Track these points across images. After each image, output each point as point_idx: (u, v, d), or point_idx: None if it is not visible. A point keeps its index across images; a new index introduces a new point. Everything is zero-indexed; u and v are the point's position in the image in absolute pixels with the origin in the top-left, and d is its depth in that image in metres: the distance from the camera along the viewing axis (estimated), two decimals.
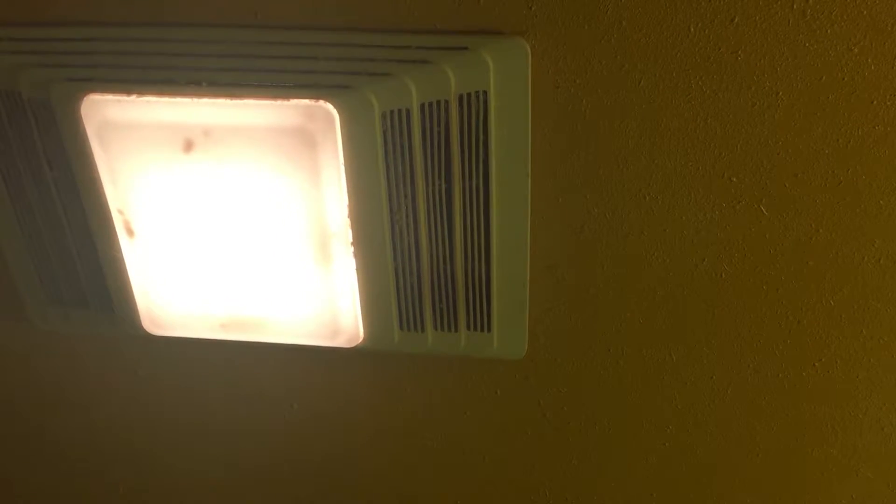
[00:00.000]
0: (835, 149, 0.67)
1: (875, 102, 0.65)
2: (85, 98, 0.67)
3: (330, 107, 0.66)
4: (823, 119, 0.66)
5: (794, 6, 0.61)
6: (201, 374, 0.91)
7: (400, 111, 0.66)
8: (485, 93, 0.66)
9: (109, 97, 0.67)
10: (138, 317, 0.80)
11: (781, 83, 0.65)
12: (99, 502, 1.09)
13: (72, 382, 0.95)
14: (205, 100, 0.67)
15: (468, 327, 0.79)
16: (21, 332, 0.91)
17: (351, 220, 0.71)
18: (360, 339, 0.79)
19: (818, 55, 0.63)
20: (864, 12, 0.61)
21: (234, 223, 0.72)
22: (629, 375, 0.84)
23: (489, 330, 0.79)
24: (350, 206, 0.71)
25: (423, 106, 0.66)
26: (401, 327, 0.79)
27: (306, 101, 0.66)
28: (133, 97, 0.67)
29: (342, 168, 0.68)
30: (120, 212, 0.73)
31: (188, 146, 0.68)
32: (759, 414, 0.84)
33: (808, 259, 0.73)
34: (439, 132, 0.68)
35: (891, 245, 0.71)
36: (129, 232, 0.74)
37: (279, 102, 0.66)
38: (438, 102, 0.66)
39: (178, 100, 0.67)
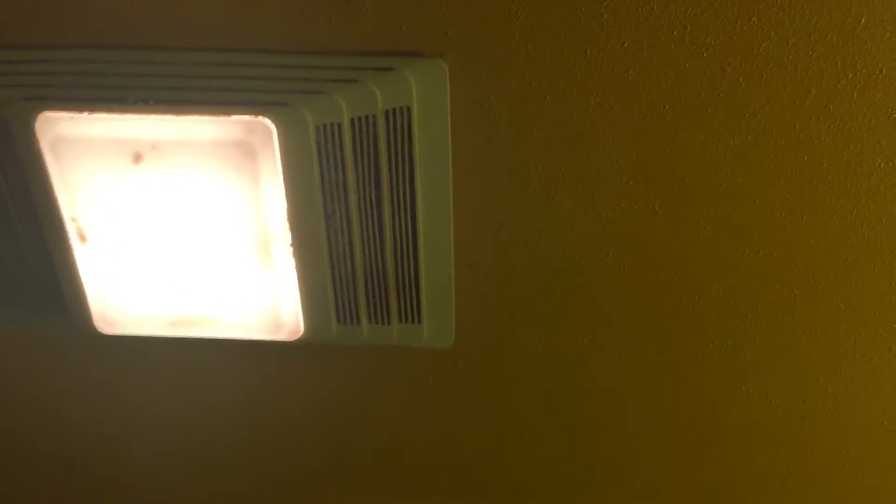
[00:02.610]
0: (714, 155, 0.77)
1: (747, 114, 0.74)
2: (39, 116, 0.73)
3: (268, 122, 0.73)
4: (704, 129, 0.75)
5: (675, 33, 0.71)
6: (150, 371, 0.97)
7: (332, 125, 0.74)
8: (408, 108, 0.73)
9: (63, 115, 0.73)
10: (91, 317, 0.85)
11: (667, 99, 0.74)
12: (48, 499, 1.13)
13: (22, 382, 1.00)
14: (152, 116, 0.73)
15: (400, 320, 0.87)
16: None
17: (290, 223, 0.78)
18: (301, 333, 0.86)
19: (697, 74, 0.73)
20: (734, 38, 0.71)
21: (182, 229, 0.78)
22: (546, 360, 0.92)
23: (419, 321, 0.87)
24: (289, 211, 0.77)
25: (353, 120, 0.74)
26: (338, 321, 0.86)
27: (246, 117, 0.72)
28: (85, 114, 0.73)
29: (280, 177, 0.75)
30: (73, 219, 0.78)
31: (137, 158, 0.74)
32: (663, 391, 0.94)
33: (697, 252, 0.83)
34: (368, 144, 0.75)
35: (767, 237, 0.81)
36: (82, 238, 0.80)
37: (221, 118, 0.72)
38: (367, 117, 0.74)
39: (128, 116, 0.73)
